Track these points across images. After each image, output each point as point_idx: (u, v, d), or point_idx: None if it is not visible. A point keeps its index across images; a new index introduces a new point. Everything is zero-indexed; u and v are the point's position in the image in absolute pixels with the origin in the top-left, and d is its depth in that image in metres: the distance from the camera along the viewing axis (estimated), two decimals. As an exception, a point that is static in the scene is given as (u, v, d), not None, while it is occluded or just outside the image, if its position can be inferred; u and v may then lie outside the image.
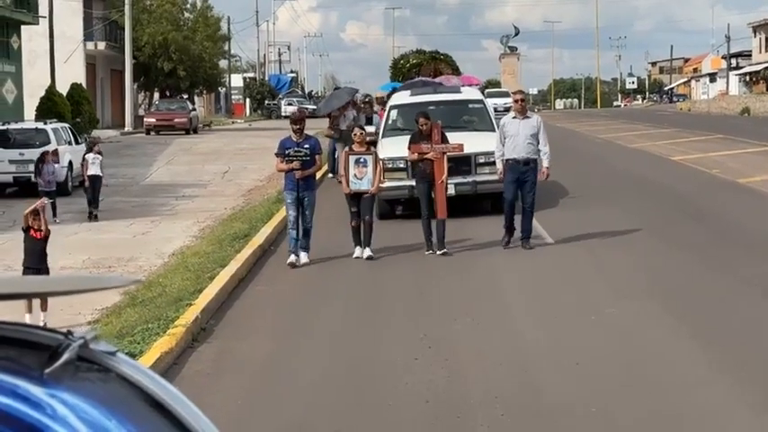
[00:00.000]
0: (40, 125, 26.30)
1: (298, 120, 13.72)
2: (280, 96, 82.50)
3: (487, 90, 58.17)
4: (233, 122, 62.89)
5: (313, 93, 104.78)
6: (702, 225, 15.60)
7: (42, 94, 38.00)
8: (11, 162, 24.72)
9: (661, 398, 7.27)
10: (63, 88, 39.49)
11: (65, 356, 1.13)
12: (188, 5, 60.51)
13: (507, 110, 58.26)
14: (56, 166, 22.29)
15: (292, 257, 13.51)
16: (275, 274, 13.21)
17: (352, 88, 32.34)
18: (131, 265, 14.92)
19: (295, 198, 13.45)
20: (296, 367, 8.68)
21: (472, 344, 9.10)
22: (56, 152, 23.98)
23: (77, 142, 26.72)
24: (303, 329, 10.18)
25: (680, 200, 18.56)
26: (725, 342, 8.78)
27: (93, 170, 20.42)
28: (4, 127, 26.18)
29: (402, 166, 16.64)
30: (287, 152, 13.45)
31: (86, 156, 20.75)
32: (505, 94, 61.07)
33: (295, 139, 13.52)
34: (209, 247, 15.04)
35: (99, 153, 20.96)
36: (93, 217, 20.11)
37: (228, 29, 71.38)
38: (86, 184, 20.67)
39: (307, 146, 13.49)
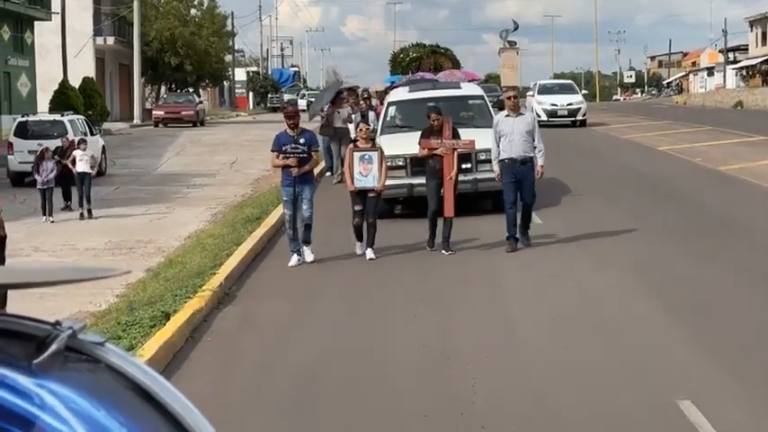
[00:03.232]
0: (58, 117, 27.43)
1: (292, 114, 13.29)
2: (282, 90, 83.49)
3: (540, 82, 45.01)
4: (237, 115, 63.75)
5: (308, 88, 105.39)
6: (675, 205, 17.04)
7: (52, 87, 39.13)
8: (30, 152, 25.83)
9: (620, 343, 8.64)
10: (73, 82, 40.54)
11: (53, 347, 1.12)
12: (195, 2, 61.72)
13: (572, 114, 39.83)
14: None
15: (294, 259, 13.10)
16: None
17: (337, 81, 31.42)
18: (150, 247, 15.77)
19: (292, 194, 13.03)
20: (311, 323, 10.02)
21: (464, 306, 10.44)
22: (73, 144, 25.07)
23: (92, 134, 27.88)
24: (316, 294, 11.49)
25: (658, 183, 20.03)
26: (682, 300, 10.15)
27: (82, 167, 19.83)
28: (24, 119, 27.43)
29: (401, 163, 16.14)
30: (283, 148, 13.01)
31: (74, 152, 20.24)
32: (568, 88, 43.33)
33: (291, 134, 13.08)
34: (223, 230, 15.87)
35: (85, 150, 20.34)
36: (87, 214, 19.55)
37: (232, 24, 72.57)
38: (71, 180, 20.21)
39: (303, 141, 13.02)
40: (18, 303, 8.20)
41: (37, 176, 19.82)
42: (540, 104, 39.10)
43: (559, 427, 6.69)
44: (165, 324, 9.47)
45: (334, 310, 10.64)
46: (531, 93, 42.99)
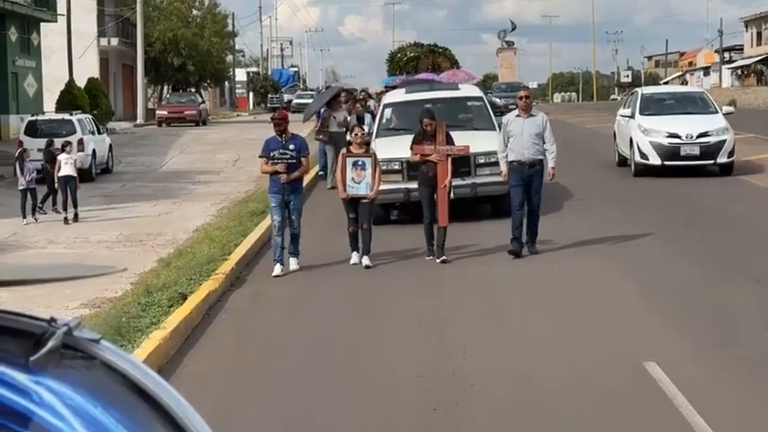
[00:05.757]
0: (67, 116, 28.22)
1: (279, 120, 12.86)
2: (282, 90, 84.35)
3: (643, 91, 24.39)
4: (237, 115, 64.42)
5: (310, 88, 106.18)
6: (658, 197, 18.05)
7: (57, 87, 39.81)
8: (39, 150, 26.59)
9: (598, 316, 9.60)
10: (78, 82, 41.30)
11: (49, 344, 1.13)
12: (196, 3, 62.64)
13: (710, 153, 19.90)
14: (80, 154, 23.51)
15: (278, 268, 12.51)
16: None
17: (336, 86, 30.92)
18: (160, 239, 16.30)
19: (280, 201, 12.66)
20: (316, 303, 10.97)
21: (458, 291, 11.34)
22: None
23: (99, 132, 28.74)
24: (321, 278, 12.38)
25: (646, 179, 20.89)
26: (656, 281, 11.12)
27: (66, 171, 19.29)
28: (33, 118, 28.29)
29: (397, 167, 15.48)
30: (272, 154, 12.68)
31: (59, 156, 19.72)
32: (696, 103, 22.94)
33: (280, 139, 12.76)
34: (230, 223, 16.42)
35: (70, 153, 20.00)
36: (72, 218, 18.88)
37: (233, 25, 73.46)
38: (56, 185, 19.53)
39: (292, 146, 12.64)
40: (35, 291, 8.84)
41: (20, 177, 19.42)
42: (646, 135, 21.21)
43: (539, 383, 7.59)
44: (182, 304, 10.20)
45: (336, 291, 11.53)
46: (625, 112, 23.38)
